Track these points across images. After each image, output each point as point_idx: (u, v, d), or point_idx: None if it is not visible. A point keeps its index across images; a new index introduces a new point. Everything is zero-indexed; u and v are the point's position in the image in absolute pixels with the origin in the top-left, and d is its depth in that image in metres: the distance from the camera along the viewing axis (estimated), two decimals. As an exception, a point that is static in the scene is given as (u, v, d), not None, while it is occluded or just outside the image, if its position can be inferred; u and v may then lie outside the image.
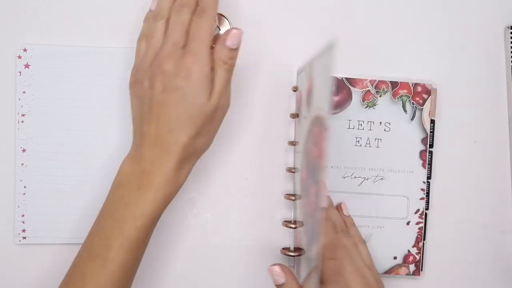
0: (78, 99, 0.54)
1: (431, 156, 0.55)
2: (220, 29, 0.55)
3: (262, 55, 0.55)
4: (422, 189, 0.55)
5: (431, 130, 0.55)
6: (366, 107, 0.54)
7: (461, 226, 0.57)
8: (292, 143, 0.53)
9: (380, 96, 0.55)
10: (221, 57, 0.47)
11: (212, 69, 0.47)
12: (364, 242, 0.54)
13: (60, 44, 0.54)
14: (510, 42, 0.57)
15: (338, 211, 0.54)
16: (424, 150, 0.55)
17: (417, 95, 0.55)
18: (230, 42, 0.47)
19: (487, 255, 0.57)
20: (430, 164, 0.55)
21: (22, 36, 0.54)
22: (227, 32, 0.48)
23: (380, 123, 0.55)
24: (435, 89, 0.55)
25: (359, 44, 0.56)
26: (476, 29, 0.57)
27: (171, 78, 0.46)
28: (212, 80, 0.47)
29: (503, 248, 0.57)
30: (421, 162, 0.55)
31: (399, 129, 0.54)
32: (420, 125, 0.55)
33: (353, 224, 0.54)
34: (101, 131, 0.54)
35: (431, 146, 0.55)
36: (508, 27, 0.57)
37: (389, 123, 0.55)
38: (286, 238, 0.54)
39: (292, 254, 0.53)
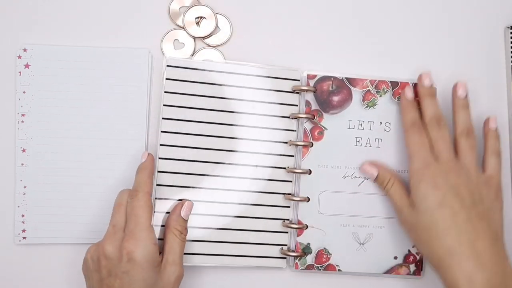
0: (78, 99, 0.54)
1: (431, 156, 0.55)
2: (220, 29, 0.55)
3: (263, 55, 0.55)
4: (423, 189, 0.55)
5: (431, 130, 0.55)
6: (366, 107, 0.54)
7: (461, 226, 0.57)
8: (293, 143, 0.53)
9: (380, 96, 0.55)
10: (176, 227, 0.49)
11: (164, 237, 0.49)
12: (471, 132, 0.52)
13: (60, 44, 0.54)
14: (510, 42, 0.57)
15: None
16: (424, 150, 0.55)
17: (417, 95, 0.55)
18: (184, 213, 0.50)
19: (487, 255, 0.57)
20: (430, 164, 0.55)
21: (22, 36, 0.54)
22: (181, 203, 0.51)
23: (381, 123, 0.54)
24: (435, 89, 0.55)
25: (359, 44, 0.56)
26: (476, 29, 0.57)
27: (115, 263, 0.46)
28: (164, 250, 0.49)
29: (503, 248, 0.57)
30: (421, 162, 0.55)
31: (400, 129, 0.54)
32: (420, 125, 0.55)
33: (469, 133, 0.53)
34: (101, 131, 0.54)
35: (431, 146, 0.55)
36: (508, 27, 0.57)
37: (389, 123, 0.55)
38: (286, 238, 0.54)
39: (292, 254, 0.53)
